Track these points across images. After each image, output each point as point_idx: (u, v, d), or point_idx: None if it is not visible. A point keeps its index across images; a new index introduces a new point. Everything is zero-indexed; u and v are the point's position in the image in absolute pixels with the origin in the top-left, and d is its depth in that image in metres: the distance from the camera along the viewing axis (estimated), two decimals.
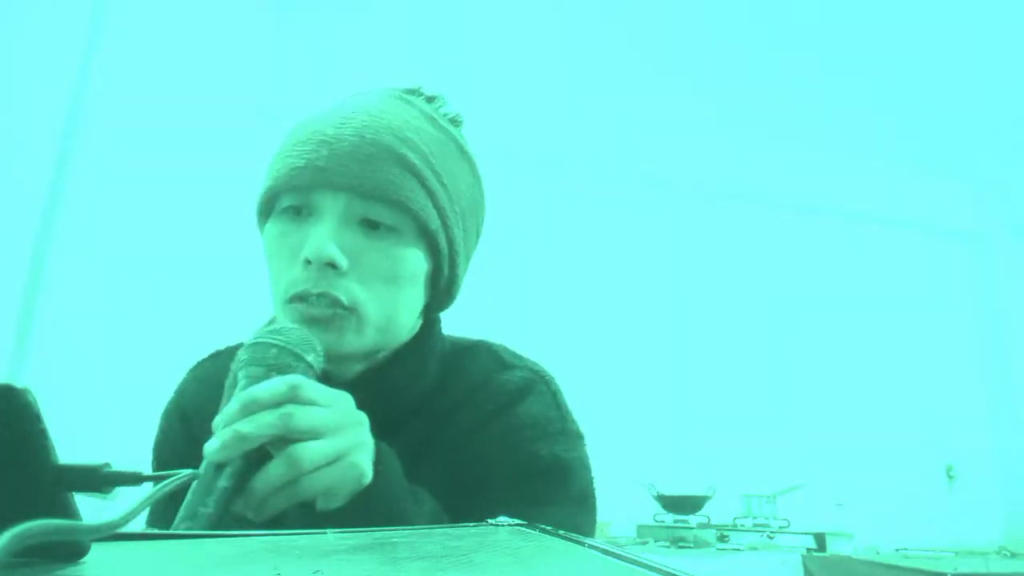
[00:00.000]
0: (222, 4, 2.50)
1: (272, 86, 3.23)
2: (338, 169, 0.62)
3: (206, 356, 0.81)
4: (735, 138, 3.93)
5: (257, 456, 0.50)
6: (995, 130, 3.77)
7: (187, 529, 0.46)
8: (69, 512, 0.32)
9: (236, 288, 2.91)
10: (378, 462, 0.55)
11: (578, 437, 0.72)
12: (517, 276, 3.35)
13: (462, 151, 0.72)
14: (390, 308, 0.65)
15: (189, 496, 0.48)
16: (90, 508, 0.34)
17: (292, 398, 0.51)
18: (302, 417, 0.51)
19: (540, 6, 3.09)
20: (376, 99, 0.68)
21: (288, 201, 0.65)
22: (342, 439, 0.52)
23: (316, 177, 0.62)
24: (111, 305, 1.42)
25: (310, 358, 0.56)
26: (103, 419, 1.42)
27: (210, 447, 0.49)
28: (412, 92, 0.73)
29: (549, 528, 0.42)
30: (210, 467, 0.49)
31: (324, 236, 0.61)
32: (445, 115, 0.73)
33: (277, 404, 0.51)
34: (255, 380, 0.53)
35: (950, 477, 3.88)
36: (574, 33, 3.24)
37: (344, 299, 0.61)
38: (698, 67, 3.42)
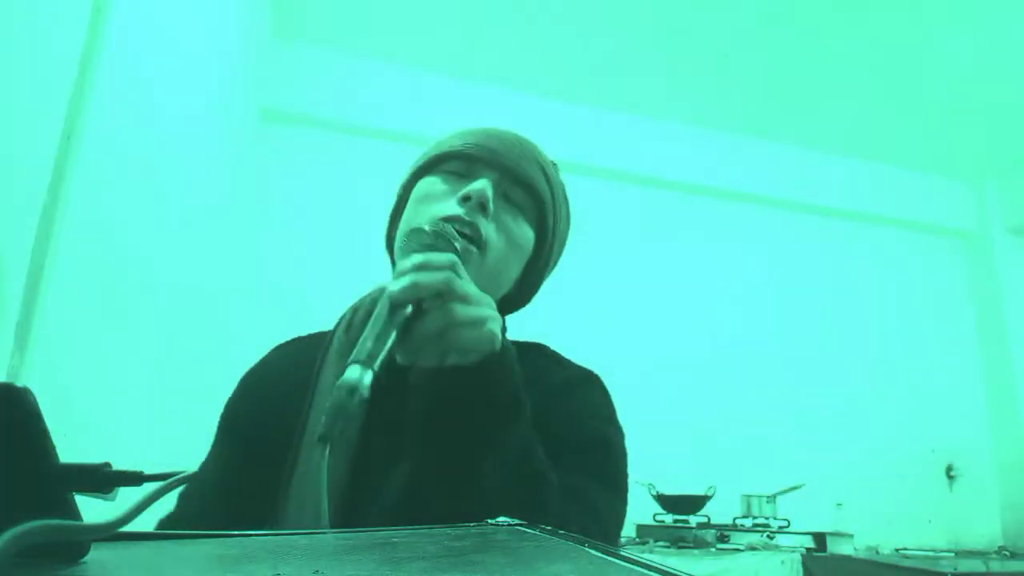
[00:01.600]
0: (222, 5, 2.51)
1: (272, 86, 3.24)
2: (501, 154, 0.80)
3: (288, 340, 0.90)
4: (735, 138, 3.93)
5: (418, 311, 0.61)
6: (995, 130, 3.77)
7: (367, 343, 0.57)
8: (69, 512, 0.32)
9: (237, 288, 2.92)
10: (503, 343, 0.65)
11: (622, 432, 0.81)
12: None
13: (567, 199, 0.91)
14: (502, 264, 0.79)
15: (369, 327, 0.59)
16: (90, 508, 0.34)
17: (452, 268, 0.63)
18: (461, 282, 0.63)
19: (540, 6, 3.09)
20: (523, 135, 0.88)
21: (454, 166, 0.81)
22: (484, 310, 0.63)
23: (484, 153, 0.80)
24: (112, 305, 1.42)
25: (458, 246, 0.70)
26: (104, 419, 1.42)
27: (393, 289, 0.60)
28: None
29: (549, 528, 0.42)
30: (387, 308, 0.60)
31: (484, 184, 0.76)
32: (561, 179, 0.91)
33: (442, 268, 0.62)
34: (415, 253, 0.65)
35: (950, 477, 3.88)
36: (573, 32, 3.24)
37: (483, 233, 0.76)
38: (698, 67, 3.42)
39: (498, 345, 0.64)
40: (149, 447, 1.75)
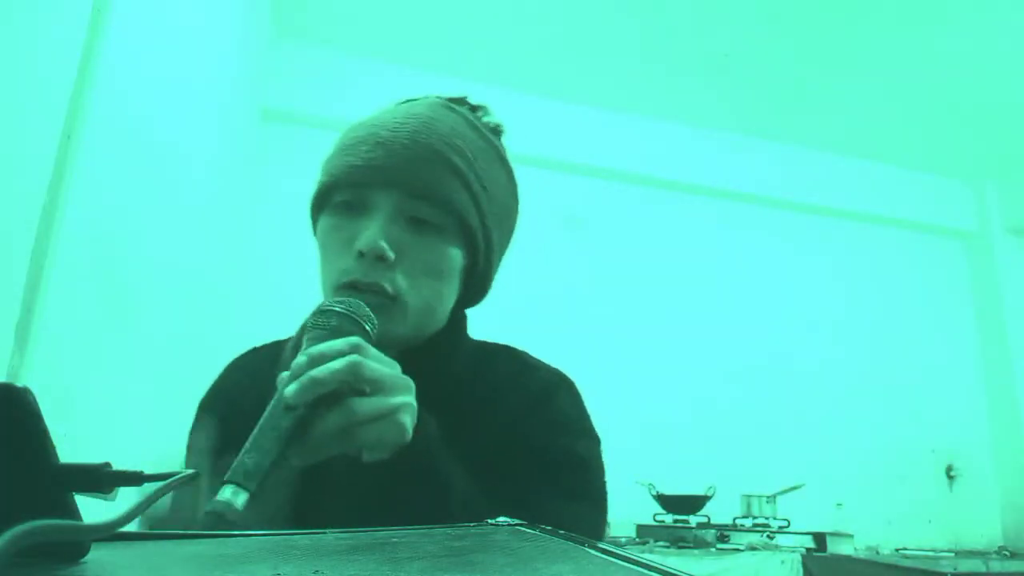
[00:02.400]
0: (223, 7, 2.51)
1: (273, 86, 3.24)
2: (392, 169, 0.69)
3: (245, 352, 0.85)
4: (735, 138, 3.93)
5: (314, 410, 0.56)
6: (995, 130, 3.77)
7: (245, 459, 0.51)
8: (69, 512, 0.32)
9: (236, 289, 2.92)
10: (419, 425, 0.60)
11: (596, 440, 0.77)
12: (517, 277, 3.35)
13: (501, 158, 0.79)
14: (430, 299, 0.71)
15: (255, 432, 0.54)
16: (90, 508, 0.34)
17: (357, 352, 0.58)
18: (367, 368, 0.57)
19: (540, 6, 3.09)
20: (425, 107, 0.75)
21: (342, 196, 0.72)
22: (393, 398, 0.58)
23: (371, 175, 0.70)
24: (112, 305, 1.42)
25: (367, 326, 0.62)
26: (104, 419, 1.42)
27: (288, 391, 0.55)
28: (457, 101, 0.79)
29: (549, 528, 0.42)
30: (278, 409, 0.55)
31: (376, 231, 0.68)
32: (487, 124, 0.80)
33: (342, 356, 0.57)
34: (318, 341, 0.59)
35: (950, 477, 3.88)
36: (573, 32, 3.24)
37: (390, 289, 0.68)
38: (698, 66, 3.41)
39: (408, 436, 0.58)
40: (149, 447, 1.74)
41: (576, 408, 0.77)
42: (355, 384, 0.56)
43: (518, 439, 0.70)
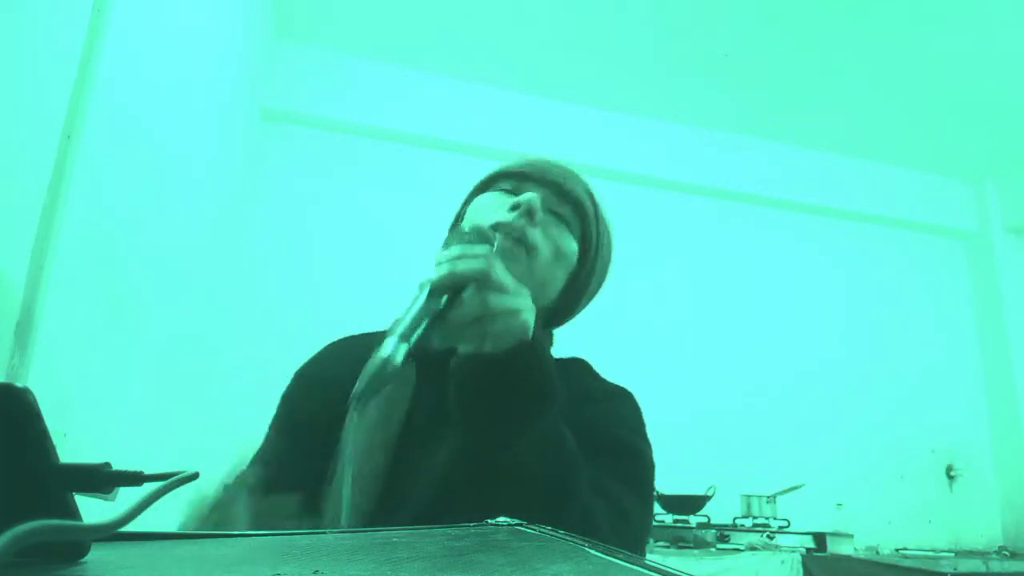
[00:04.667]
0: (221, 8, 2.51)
1: (273, 86, 3.24)
2: (548, 175, 0.88)
3: (339, 339, 0.93)
4: (735, 138, 3.93)
5: (456, 297, 0.65)
6: (995, 130, 3.77)
7: (402, 320, 0.61)
8: (69, 512, 0.32)
9: (236, 288, 2.92)
10: (536, 331, 0.68)
11: (650, 446, 0.86)
12: None
13: (607, 223, 0.98)
14: (548, 270, 0.84)
15: (408, 310, 0.63)
16: (90, 508, 0.34)
17: (487, 258, 0.67)
18: (498, 271, 0.66)
19: (540, 6, 3.09)
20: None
21: (507, 184, 0.88)
22: (519, 301, 0.67)
23: (532, 173, 0.87)
24: (112, 305, 1.42)
25: (495, 241, 0.73)
26: (104, 419, 1.42)
27: (436, 275, 0.65)
28: None
29: (549, 528, 0.42)
30: (424, 293, 0.64)
31: (533, 195, 0.82)
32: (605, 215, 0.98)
33: (477, 258, 0.66)
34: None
35: (950, 477, 3.88)
36: (573, 32, 3.24)
37: (530, 238, 0.81)
38: (698, 66, 3.42)
39: (530, 334, 0.66)
40: (149, 447, 1.75)
41: (637, 415, 0.88)
42: (485, 281, 0.65)
43: (584, 425, 0.76)
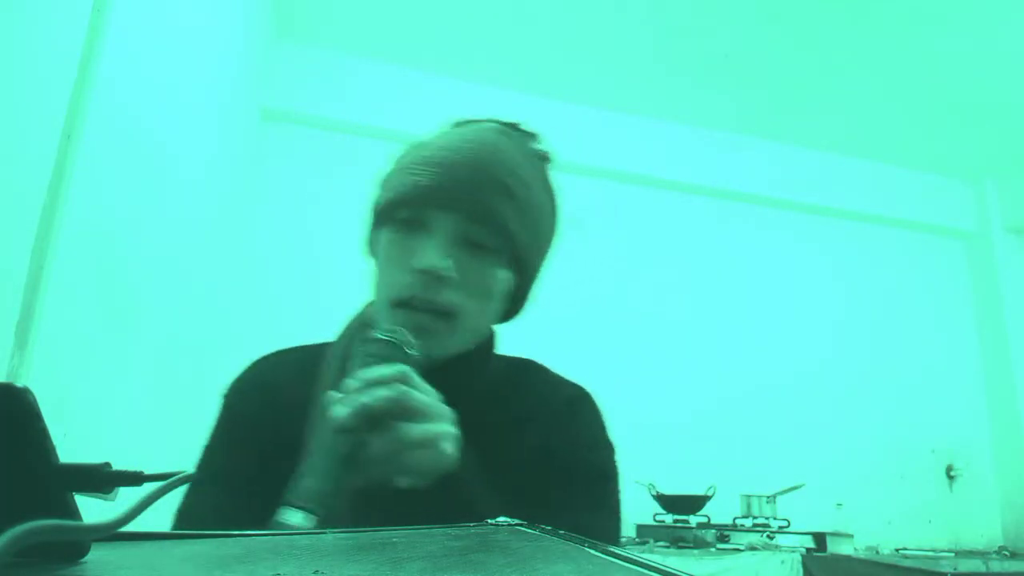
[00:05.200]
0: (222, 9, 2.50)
1: (273, 86, 3.24)
2: (454, 192, 0.72)
3: (271, 352, 0.86)
4: (735, 138, 3.93)
5: (365, 435, 0.59)
6: (995, 130, 3.77)
7: (307, 482, 0.54)
8: (69, 512, 0.32)
9: (236, 288, 2.92)
10: (460, 454, 0.62)
11: (614, 450, 0.80)
12: None
13: (548, 187, 0.83)
14: (481, 319, 0.75)
15: (312, 456, 0.57)
16: (90, 508, 0.34)
17: (404, 381, 0.61)
18: (414, 397, 0.60)
19: (540, 6, 3.09)
20: (485, 132, 0.78)
21: (405, 214, 0.74)
22: (438, 426, 0.61)
23: (435, 196, 0.72)
24: (112, 305, 1.42)
25: (411, 352, 0.66)
26: (104, 419, 1.42)
27: (339, 414, 0.58)
28: (512, 126, 0.83)
29: (549, 528, 0.42)
30: (330, 433, 0.58)
31: (436, 250, 0.71)
32: (538, 151, 0.83)
33: (391, 384, 0.60)
34: (367, 367, 0.62)
35: (950, 477, 3.88)
36: (573, 32, 3.24)
37: (446, 307, 0.71)
38: (698, 66, 3.41)
39: (450, 464, 0.61)
40: (149, 447, 1.74)
41: (598, 421, 0.81)
42: (401, 411, 0.59)
43: (547, 455, 0.73)
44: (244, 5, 2.54)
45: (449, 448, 0.61)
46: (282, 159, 3.28)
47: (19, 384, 0.30)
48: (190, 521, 0.73)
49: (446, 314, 0.71)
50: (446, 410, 0.63)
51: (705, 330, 3.70)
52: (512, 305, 0.81)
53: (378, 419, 0.58)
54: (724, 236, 3.91)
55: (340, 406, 0.58)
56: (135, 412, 1.64)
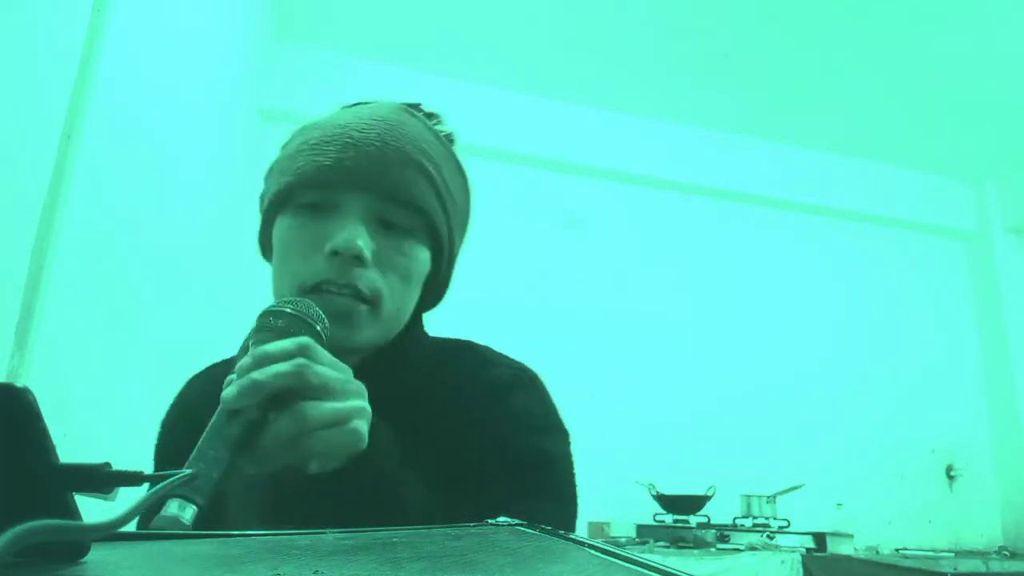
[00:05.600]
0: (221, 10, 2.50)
1: (272, 86, 3.24)
2: (363, 171, 0.66)
3: (202, 369, 0.83)
4: (735, 138, 3.93)
5: (263, 415, 0.53)
6: (995, 130, 3.77)
7: (193, 471, 0.48)
8: (69, 512, 0.32)
9: (236, 288, 2.91)
10: (373, 432, 0.57)
11: (562, 432, 0.74)
12: (517, 277, 3.35)
13: (459, 167, 0.77)
14: (401, 303, 0.69)
15: (201, 441, 0.51)
16: (90, 508, 0.34)
17: (304, 355, 0.54)
18: (314, 372, 0.53)
19: (540, 6, 3.09)
20: (389, 111, 0.72)
21: (309, 197, 0.68)
22: (346, 403, 0.55)
23: (342, 176, 0.66)
24: (112, 305, 1.42)
25: (318, 327, 0.59)
26: (104, 419, 1.42)
27: (227, 394, 0.52)
28: (413, 107, 0.77)
29: (549, 528, 0.42)
30: (222, 415, 0.52)
31: (352, 231, 0.65)
32: (442, 132, 0.77)
33: (289, 359, 0.53)
34: (264, 343, 0.55)
35: (950, 477, 3.88)
36: (573, 32, 3.24)
37: (366, 291, 0.65)
38: (698, 66, 3.41)
39: (364, 443, 0.55)
40: (149, 447, 1.74)
41: (538, 403, 0.74)
42: (301, 388, 0.53)
43: (477, 439, 0.67)
44: (244, 5, 2.54)
45: (361, 426, 0.55)
46: None
47: (19, 384, 0.30)
48: None
49: (367, 299, 0.66)
50: (357, 385, 0.57)
51: (705, 330, 3.70)
52: (433, 290, 0.76)
53: (278, 398, 0.53)
54: (724, 236, 3.91)
55: (229, 387, 0.53)
56: (135, 412, 1.64)
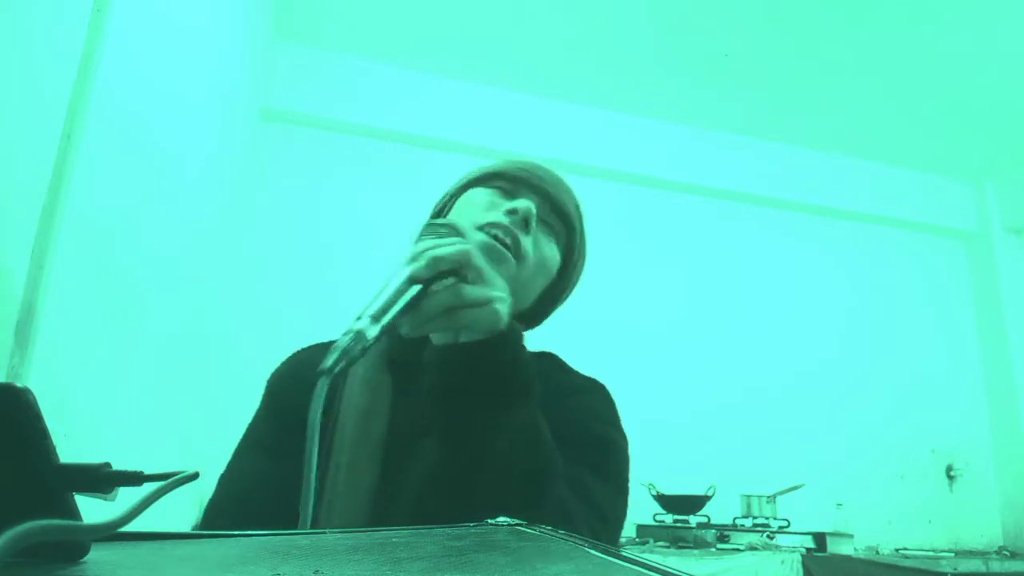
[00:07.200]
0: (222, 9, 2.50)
1: (273, 86, 3.24)
2: (543, 184, 0.88)
3: (306, 346, 0.91)
4: (735, 138, 3.93)
5: (429, 287, 0.65)
6: (995, 130, 3.77)
7: (374, 303, 0.61)
8: (69, 512, 0.32)
9: (236, 288, 2.92)
10: (510, 320, 0.68)
11: (623, 434, 0.84)
12: None
13: (585, 236, 0.96)
14: (532, 280, 0.84)
15: (379, 295, 0.62)
16: (90, 508, 0.34)
17: (471, 245, 0.68)
18: (477, 258, 0.67)
19: (540, 6, 3.09)
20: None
21: (501, 183, 0.87)
22: (494, 291, 0.67)
23: (529, 179, 0.88)
24: (112, 305, 1.42)
25: (474, 239, 0.72)
26: (104, 419, 1.42)
27: (413, 263, 0.64)
28: None
29: (549, 528, 0.42)
30: (404, 280, 0.64)
31: (531, 203, 0.83)
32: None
33: (455, 245, 0.67)
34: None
35: (950, 477, 3.88)
36: (573, 32, 3.24)
37: (522, 246, 0.81)
38: (698, 66, 3.42)
39: (502, 325, 0.66)
40: (149, 447, 1.75)
41: (610, 407, 0.86)
42: (465, 270, 0.65)
43: (555, 420, 0.75)
44: (244, 5, 2.54)
45: (503, 309, 0.66)
46: (282, 159, 3.29)
47: (19, 384, 0.30)
48: (233, 482, 0.79)
49: (518, 253, 0.80)
50: (502, 282, 0.69)
51: (705, 330, 3.70)
52: (541, 303, 0.90)
53: (444, 275, 0.64)
54: (724, 236, 3.91)
55: (413, 260, 0.64)
56: (135, 412, 1.64)
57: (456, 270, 0.65)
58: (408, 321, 0.64)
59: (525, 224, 0.81)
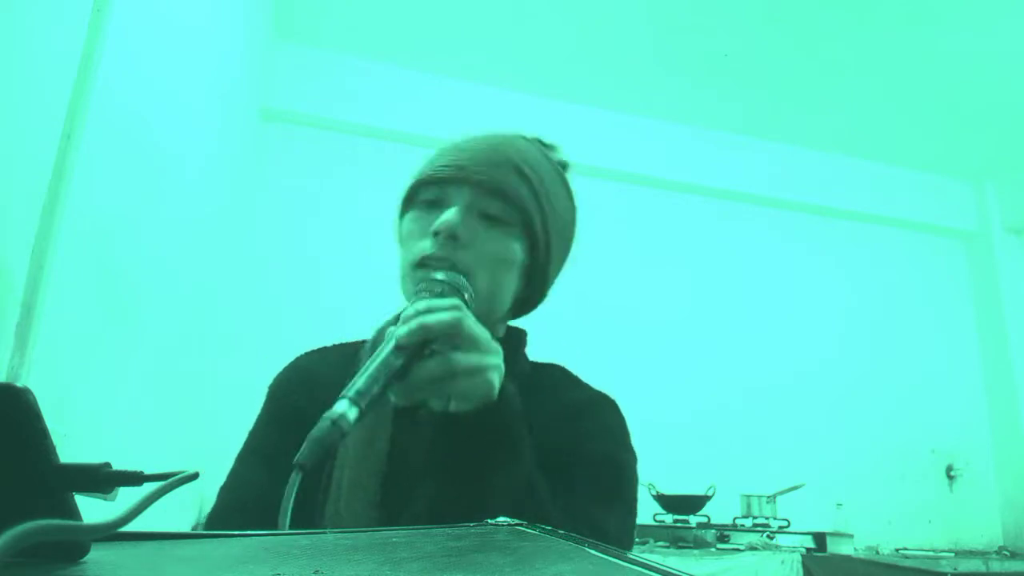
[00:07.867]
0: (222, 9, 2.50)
1: (273, 86, 3.24)
2: (469, 168, 0.78)
3: (312, 350, 0.91)
4: (735, 138, 3.93)
5: (419, 356, 0.63)
6: (995, 130, 3.77)
7: (358, 381, 0.59)
8: (69, 512, 0.32)
9: (236, 288, 2.92)
10: (503, 388, 0.67)
11: (632, 452, 0.83)
12: None
13: (566, 185, 0.88)
14: (493, 285, 0.78)
15: (367, 366, 0.61)
16: (90, 508, 0.34)
17: (460, 311, 0.65)
18: (468, 325, 0.64)
19: (540, 6, 3.09)
20: (502, 134, 0.85)
21: (426, 195, 0.80)
22: (486, 358, 0.65)
23: (451, 173, 0.78)
24: (112, 305, 1.42)
25: (465, 295, 0.71)
26: (104, 419, 1.42)
27: (400, 332, 0.62)
28: (532, 138, 0.89)
29: (549, 528, 0.42)
30: (391, 349, 0.62)
31: (451, 214, 0.75)
32: (557, 158, 0.88)
33: (449, 310, 0.64)
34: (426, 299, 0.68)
35: (950, 477, 3.88)
36: (573, 32, 3.24)
37: (459, 266, 0.74)
38: (698, 66, 3.41)
39: (495, 395, 0.65)
40: (149, 447, 1.75)
41: (619, 424, 0.84)
42: (455, 337, 0.63)
43: (564, 440, 0.75)
44: (244, 5, 2.54)
45: (495, 379, 0.65)
46: (282, 159, 3.28)
47: (19, 384, 0.30)
48: (233, 491, 0.79)
49: (460, 273, 0.75)
50: (496, 346, 0.66)
51: (705, 330, 3.70)
52: (529, 288, 0.83)
53: (433, 342, 0.63)
54: (724, 236, 3.91)
55: (402, 326, 0.63)
56: (135, 412, 1.64)
57: (450, 333, 0.63)
58: (397, 391, 0.63)
59: (454, 240, 0.75)
